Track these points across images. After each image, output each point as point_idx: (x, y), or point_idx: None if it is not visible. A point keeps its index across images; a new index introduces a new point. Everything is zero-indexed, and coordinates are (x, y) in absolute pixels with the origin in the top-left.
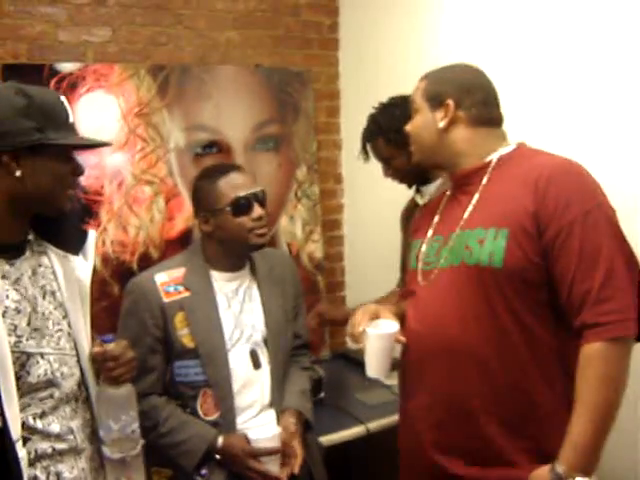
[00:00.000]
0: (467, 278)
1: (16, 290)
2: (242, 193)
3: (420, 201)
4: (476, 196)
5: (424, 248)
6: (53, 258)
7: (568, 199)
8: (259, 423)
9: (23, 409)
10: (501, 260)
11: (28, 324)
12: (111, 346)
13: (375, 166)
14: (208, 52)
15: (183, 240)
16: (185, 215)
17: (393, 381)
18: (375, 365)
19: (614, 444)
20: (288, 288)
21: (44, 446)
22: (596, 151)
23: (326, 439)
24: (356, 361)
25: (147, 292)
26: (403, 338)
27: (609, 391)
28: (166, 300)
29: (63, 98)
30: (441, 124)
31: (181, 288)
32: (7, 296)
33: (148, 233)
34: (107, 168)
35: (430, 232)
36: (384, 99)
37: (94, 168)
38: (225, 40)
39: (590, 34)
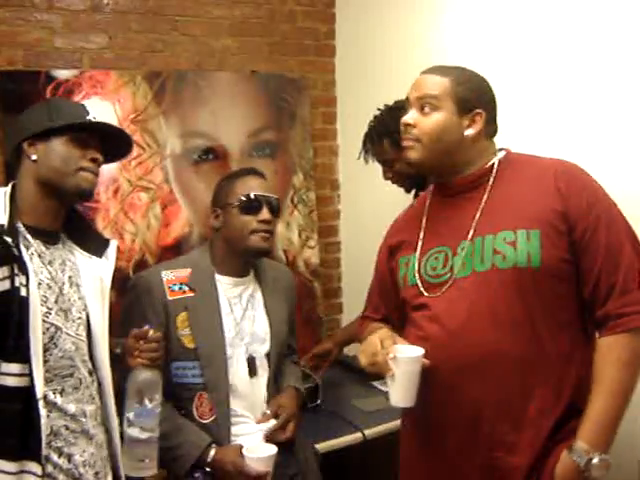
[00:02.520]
0: (500, 282)
1: (48, 270)
2: (253, 193)
3: None
4: (483, 201)
5: (423, 261)
6: (79, 257)
7: (590, 198)
8: (253, 430)
9: (46, 383)
10: (539, 260)
11: (56, 302)
12: (151, 331)
13: (372, 172)
14: (204, 59)
15: (179, 247)
16: (181, 222)
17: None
18: (404, 393)
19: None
20: (289, 301)
21: (59, 424)
22: (599, 153)
23: (322, 445)
24: (352, 367)
25: (152, 288)
26: (427, 360)
27: (630, 375)
28: (170, 298)
29: (84, 103)
30: (468, 132)
31: (186, 288)
32: (42, 272)
33: (144, 240)
34: (103, 175)
35: (420, 245)
36: (381, 105)
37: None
38: (221, 47)
39: (593, 31)
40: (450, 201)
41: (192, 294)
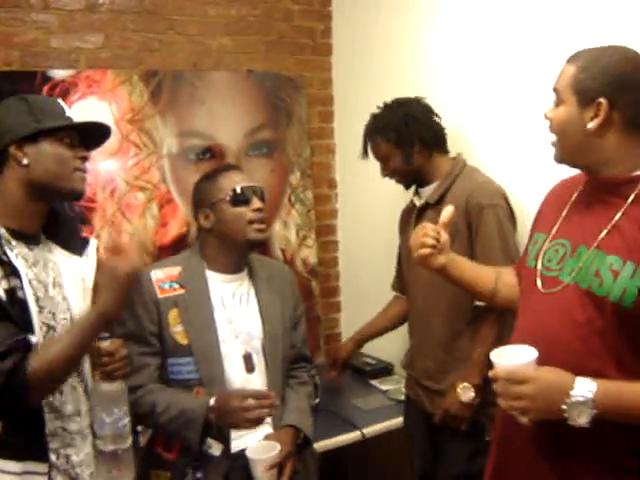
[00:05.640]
0: (589, 306)
1: (33, 272)
2: (241, 185)
3: (418, 203)
4: (619, 215)
5: (546, 247)
6: (59, 257)
7: None
8: (253, 430)
9: None
10: (632, 302)
11: (44, 301)
12: (106, 343)
13: (369, 171)
14: (201, 58)
15: (177, 246)
16: (178, 221)
17: (388, 386)
18: None
19: None
20: (287, 298)
21: (57, 424)
22: None
23: (321, 444)
24: (351, 366)
25: (142, 287)
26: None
27: None
28: (161, 296)
29: (60, 100)
30: (590, 125)
31: (176, 285)
32: (28, 273)
33: (141, 239)
34: (100, 175)
35: (555, 230)
36: (377, 103)
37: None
38: (218, 46)
39: (581, 35)
40: (591, 199)
41: (182, 291)
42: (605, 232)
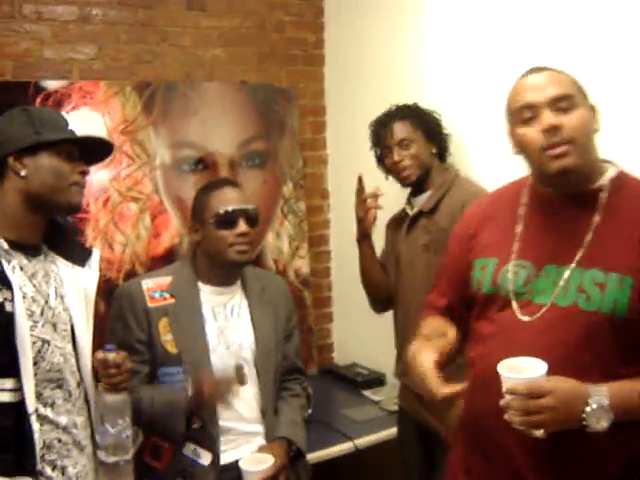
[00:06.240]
0: (577, 323)
1: (32, 283)
2: (228, 207)
3: (410, 212)
4: (592, 226)
5: (504, 270)
6: (62, 268)
7: None
8: (245, 442)
9: (37, 396)
10: (624, 310)
11: (42, 314)
12: (113, 355)
13: (373, 176)
14: (193, 69)
15: (169, 257)
16: (171, 232)
17: (381, 396)
18: None
19: None
20: (280, 310)
21: (52, 436)
22: None
23: (314, 456)
24: (343, 377)
25: (132, 296)
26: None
27: None
28: (151, 305)
29: (63, 113)
30: (596, 126)
31: (166, 295)
32: (25, 285)
33: (134, 250)
34: (93, 185)
35: (508, 254)
36: (370, 115)
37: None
38: (210, 57)
39: (582, 34)
40: (552, 216)
41: (173, 300)
42: (583, 249)
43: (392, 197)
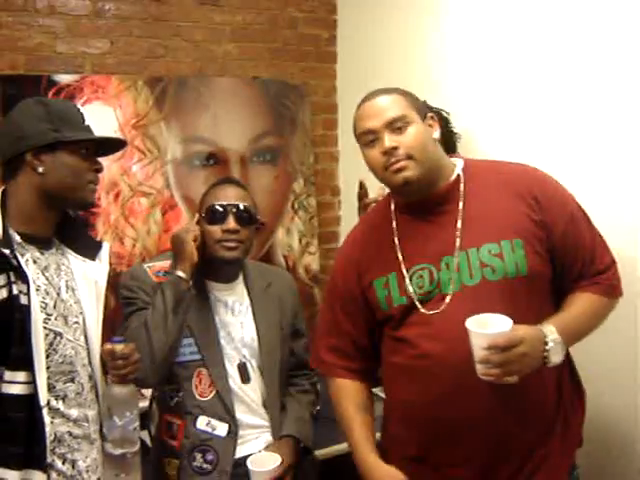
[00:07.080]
0: (492, 293)
1: (44, 276)
2: (219, 203)
3: None
4: (459, 215)
5: (407, 281)
6: (73, 261)
7: (561, 201)
8: (252, 438)
9: (48, 389)
10: (526, 268)
11: (54, 307)
12: (121, 346)
13: (372, 178)
14: (206, 64)
15: None
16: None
17: None
18: None
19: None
20: (286, 306)
21: (63, 430)
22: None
23: (322, 452)
24: None
25: (138, 276)
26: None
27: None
28: (157, 281)
29: (78, 105)
30: (436, 134)
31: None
32: (38, 278)
33: (144, 245)
34: (104, 180)
35: (400, 265)
36: None
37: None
38: (223, 52)
39: (592, 34)
40: (422, 218)
41: None
42: (457, 234)
43: None
